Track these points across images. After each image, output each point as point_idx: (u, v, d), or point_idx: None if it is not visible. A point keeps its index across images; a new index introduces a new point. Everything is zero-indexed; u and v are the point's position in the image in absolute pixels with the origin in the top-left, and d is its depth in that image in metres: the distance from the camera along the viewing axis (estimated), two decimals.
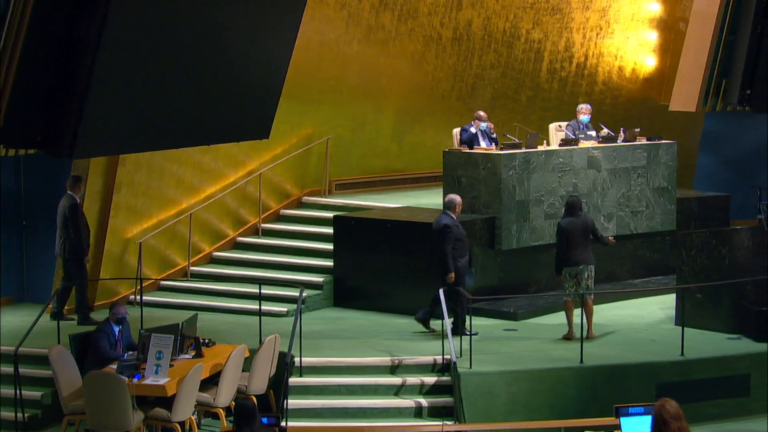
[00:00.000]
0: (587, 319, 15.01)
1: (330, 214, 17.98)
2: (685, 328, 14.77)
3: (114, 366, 13.10)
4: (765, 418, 14.55)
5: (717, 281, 15.56)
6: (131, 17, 12.76)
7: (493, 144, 17.73)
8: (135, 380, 12.76)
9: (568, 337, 15.27)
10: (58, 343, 14.21)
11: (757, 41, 19.09)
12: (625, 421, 10.70)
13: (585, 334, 14.68)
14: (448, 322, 14.19)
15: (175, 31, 13.48)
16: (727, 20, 19.60)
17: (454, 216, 15.42)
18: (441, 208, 17.24)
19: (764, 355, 14.85)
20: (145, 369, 13.00)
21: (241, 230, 18.82)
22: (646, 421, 9.91)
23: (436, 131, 20.55)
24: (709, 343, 15.14)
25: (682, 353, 14.59)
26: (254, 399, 13.00)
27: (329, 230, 17.61)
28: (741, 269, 15.55)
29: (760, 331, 15.09)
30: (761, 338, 15.05)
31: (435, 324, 15.40)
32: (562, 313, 15.93)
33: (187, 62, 13.83)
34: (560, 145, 17.69)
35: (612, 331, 15.81)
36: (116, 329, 13.73)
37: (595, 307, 16.20)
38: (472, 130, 17.72)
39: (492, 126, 17.94)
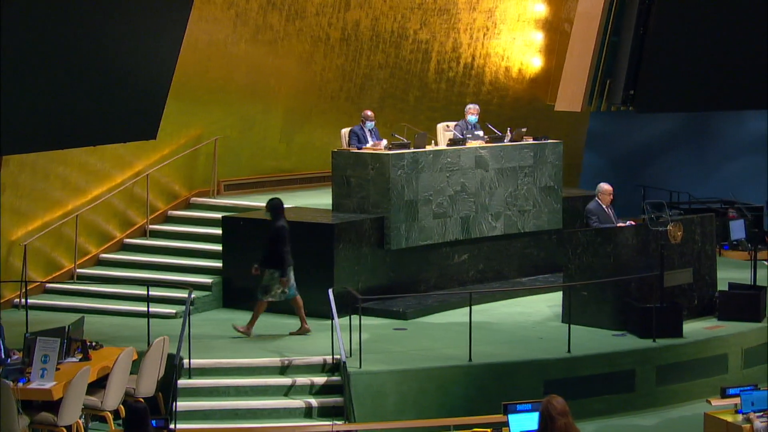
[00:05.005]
0: (299, 313, 15.36)
1: (218, 215, 17.89)
2: (571, 326, 14.97)
3: None
4: (650, 413, 14.83)
5: (602, 279, 15.79)
6: (13, 18, 12.57)
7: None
8: (20, 384, 12.56)
9: (246, 333, 15.39)
10: None
11: (640, 42, 19.43)
12: (512, 418, 10.84)
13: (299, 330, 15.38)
14: (338, 321, 14.20)
15: (60, 32, 13.31)
16: (610, 22, 19.92)
17: (601, 203, 16.27)
18: (330, 208, 17.33)
19: (648, 351, 15.10)
20: (30, 373, 12.80)
21: (128, 231, 18.63)
22: (534, 417, 10.05)
23: (325, 131, 20.55)
24: (595, 340, 15.34)
25: (569, 350, 14.76)
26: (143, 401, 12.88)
27: (218, 231, 17.52)
28: (625, 267, 15.79)
29: (644, 327, 15.31)
30: (645, 334, 15.27)
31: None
32: (453, 312, 16.09)
33: (73, 62, 13.66)
34: (448, 145, 17.81)
35: (500, 329, 15.97)
36: None
37: (485, 306, 16.38)
38: (361, 131, 17.76)
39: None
